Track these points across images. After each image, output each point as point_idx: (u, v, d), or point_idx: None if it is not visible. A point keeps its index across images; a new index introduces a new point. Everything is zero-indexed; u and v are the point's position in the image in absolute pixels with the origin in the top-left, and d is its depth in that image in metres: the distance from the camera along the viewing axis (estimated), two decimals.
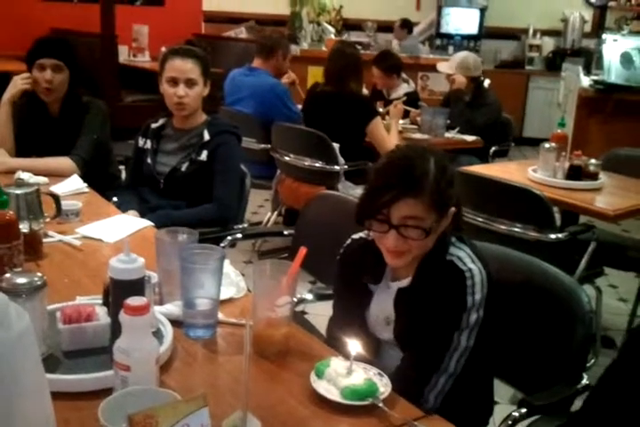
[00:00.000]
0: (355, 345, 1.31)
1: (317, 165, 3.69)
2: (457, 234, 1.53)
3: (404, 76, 4.88)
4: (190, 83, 2.49)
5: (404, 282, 1.52)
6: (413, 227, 1.41)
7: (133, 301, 1.15)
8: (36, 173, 2.50)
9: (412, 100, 4.60)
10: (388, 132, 3.81)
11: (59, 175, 2.59)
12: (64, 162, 2.69)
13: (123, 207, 2.42)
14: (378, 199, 1.41)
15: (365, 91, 4.15)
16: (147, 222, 2.18)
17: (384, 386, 1.28)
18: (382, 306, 1.56)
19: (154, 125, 2.67)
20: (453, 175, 1.47)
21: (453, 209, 1.47)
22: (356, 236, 1.64)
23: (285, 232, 2.56)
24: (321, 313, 1.86)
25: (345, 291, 1.66)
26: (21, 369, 0.97)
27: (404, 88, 4.84)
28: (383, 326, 1.57)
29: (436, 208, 1.42)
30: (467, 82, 4.38)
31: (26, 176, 2.41)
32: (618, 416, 1.18)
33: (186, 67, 2.48)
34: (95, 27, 6.39)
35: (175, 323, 1.48)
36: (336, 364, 1.31)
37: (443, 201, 1.42)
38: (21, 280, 1.29)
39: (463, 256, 1.46)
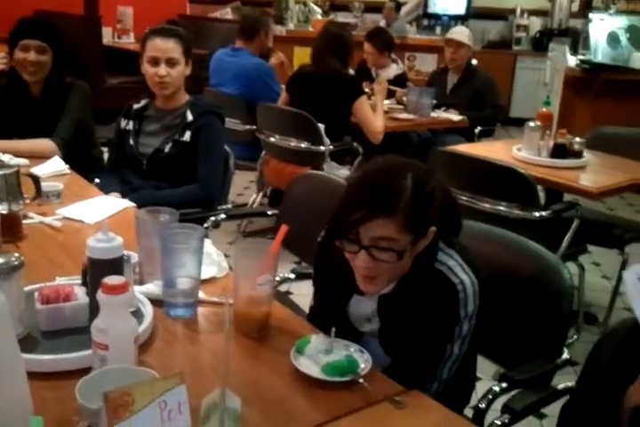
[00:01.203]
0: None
1: (303, 145, 3.67)
2: (446, 236, 1.43)
3: (393, 56, 4.84)
4: (172, 62, 2.46)
5: (388, 288, 1.43)
6: (385, 249, 1.30)
7: (111, 280, 1.14)
8: (17, 155, 2.47)
9: (400, 81, 4.58)
10: (374, 112, 3.79)
11: (40, 157, 2.56)
12: (45, 143, 2.66)
13: (105, 189, 2.40)
14: (348, 217, 1.30)
15: (351, 71, 4.12)
16: (128, 203, 2.16)
17: (364, 362, 1.28)
18: (363, 308, 1.49)
19: (136, 106, 2.64)
20: (433, 190, 1.34)
21: (433, 229, 1.35)
22: None
23: (269, 212, 2.55)
24: (305, 293, 1.86)
25: (323, 286, 1.59)
26: None
27: (393, 69, 4.80)
28: (363, 322, 1.51)
29: (412, 229, 1.30)
30: (468, 55, 4.54)
31: (6, 158, 2.38)
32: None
33: (167, 46, 2.45)
34: (79, 8, 6.30)
35: (155, 303, 1.47)
36: (317, 341, 1.31)
37: (419, 221, 1.31)
38: None
39: (453, 265, 1.38)
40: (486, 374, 2.18)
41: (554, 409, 1.45)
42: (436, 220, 1.35)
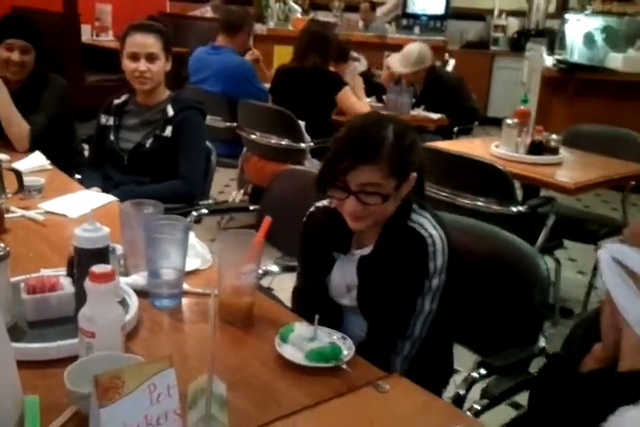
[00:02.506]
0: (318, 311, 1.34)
1: (283, 142, 3.69)
2: (419, 201, 1.55)
3: (354, 55, 4.83)
4: (151, 57, 2.47)
5: (367, 250, 1.54)
6: (372, 193, 1.42)
7: (98, 268, 1.16)
8: None
9: (366, 78, 4.59)
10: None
11: (11, 139, 2.63)
12: (22, 125, 2.66)
13: (86, 184, 2.41)
14: (336, 167, 1.42)
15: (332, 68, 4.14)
16: (110, 197, 2.17)
17: (347, 349, 1.31)
18: (344, 273, 1.59)
19: (116, 102, 2.64)
20: (414, 141, 1.48)
21: (414, 174, 1.49)
22: (319, 204, 1.66)
23: (251, 207, 2.57)
24: (287, 288, 1.88)
25: (308, 258, 1.68)
26: None
27: (356, 68, 4.80)
28: (344, 292, 1.59)
29: (395, 174, 1.43)
30: (421, 75, 4.41)
31: None
32: None
33: (147, 41, 2.46)
34: (57, 5, 6.26)
35: (141, 294, 1.49)
36: (300, 329, 1.34)
37: (401, 167, 1.44)
38: None
39: (424, 222, 1.49)
40: (465, 367, 2.21)
41: None
42: (416, 167, 1.48)
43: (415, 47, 4.39)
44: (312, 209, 1.68)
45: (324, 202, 1.64)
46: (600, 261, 1.04)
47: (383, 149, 1.41)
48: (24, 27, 2.79)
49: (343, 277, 1.59)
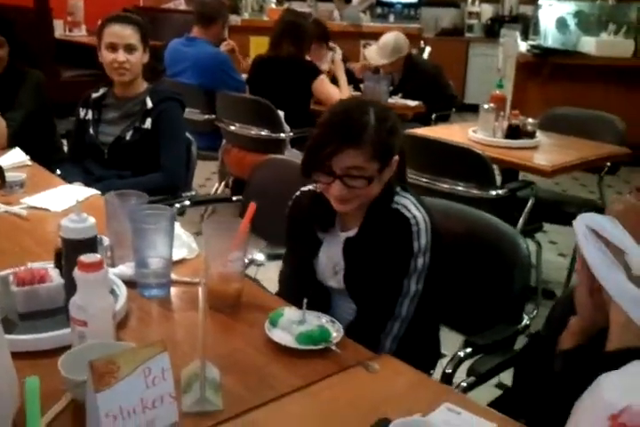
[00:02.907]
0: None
1: (263, 133, 3.70)
2: (401, 184, 1.58)
3: (330, 44, 4.86)
4: (130, 48, 2.47)
5: (352, 232, 1.58)
6: (356, 177, 1.45)
7: (87, 257, 1.17)
8: None
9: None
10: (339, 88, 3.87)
11: None
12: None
13: (67, 179, 2.40)
14: (321, 152, 1.45)
15: (308, 58, 4.15)
16: (93, 191, 2.17)
17: (336, 331, 1.34)
18: (330, 255, 1.62)
19: (94, 95, 2.64)
20: (395, 125, 1.51)
21: (396, 158, 1.52)
22: (304, 188, 1.69)
23: (234, 198, 2.58)
24: (273, 277, 1.90)
25: (295, 241, 1.71)
26: None
27: (330, 57, 4.83)
28: (331, 274, 1.63)
29: (378, 158, 1.46)
30: (400, 64, 4.42)
31: None
32: None
33: (125, 32, 2.46)
34: (28, 0, 6.19)
35: (129, 284, 1.50)
36: (289, 313, 1.36)
37: (384, 151, 1.47)
38: None
39: (407, 204, 1.53)
40: (451, 351, 2.25)
41: None
42: (398, 151, 1.51)
43: (391, 37, 4.41)
44: (297, 193, 1.71)
45: (309, 186, 1.66)
46: (577, 231, 1.07)
47: (366, 133, 1.44)
48: None
49: (330, 258, 1.62)
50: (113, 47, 2.47)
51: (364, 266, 1.53)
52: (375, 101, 1.57)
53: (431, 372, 1.71)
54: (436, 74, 4.57)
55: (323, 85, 3.79)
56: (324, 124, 1.50)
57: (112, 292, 1.44)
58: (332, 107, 1.56)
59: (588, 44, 5.77)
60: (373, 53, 4.45)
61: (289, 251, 1.77)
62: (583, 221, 1.06)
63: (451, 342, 1.81)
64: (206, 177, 5.00)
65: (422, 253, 1.50)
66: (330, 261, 1.62)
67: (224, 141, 4.01)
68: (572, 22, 6.14)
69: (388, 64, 4.41)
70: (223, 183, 4.26)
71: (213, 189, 4.35)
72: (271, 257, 2.05)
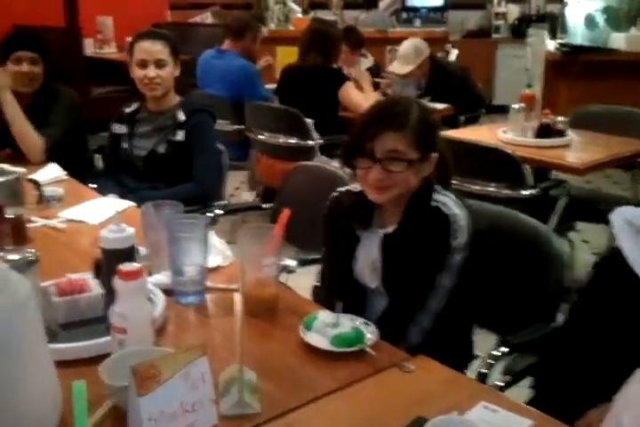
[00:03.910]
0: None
1: (292, 141, 3.73)
2: (442, 181, 1.61)
3: (362, 51, 4.90)
4: (160, 64, 2.52)
5: (390, 228, 1.59)
6: (396, 159, 1.48)
7: (126, 266, 1.20)
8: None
9: (373, 73, 4.64)
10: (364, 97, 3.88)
11: (25, 152, 2.70)
12: (36, 139, 2.72)
13: (102, 193, 2.45)
14: (363, 135, 1.50)
15: (337, 65, 4.18)
16: (128, 203, 2.22)
17: (371, 333, 1.35)
18: (369, 252, 1.63)
19: (127, 110, 2.69)
20: (436, 123, 1.57)
21: (436, 155, 1.54)
22: (342, 188, 1.71)
23: (265, 206, 2.61)
24: (303, 285, 1.92)
25: (333, 240, 1.72)
26: (26, 334, 1.02)
27: (364, 63, 4.86)
28: (369, 273, 1.63)
29: (419, 146, 1.50)
30: (425, 68, 4.41)
31: (4, 166, 2.43)
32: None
33: (155, 48, 2.51)
34: (58, 20, 6.33)
35: (166, 293, 1.52)
36: (323, 316, 1.38)
37: (425, 141, 1.51)
38: (14, 256, 1.33)
39: (447, 201, 1.54)
40: (485, 354, 2.24)
41: None
42: (437, 149, 1.54)
43: (408, 44, 4.42)
44: (335, 193, 1.73)
45: (347, 187, 1.70)
46: (613, 224, 1.07)
47: (410, 119, 1.49)
48: (30, 39, 2.86)
49: (368, 255, 1.63)
50: (143, 64, 2.52)
51: (402, 262, 1.55)
52: (419, 101, 1.65)
53: (465, 371, 1.70)
54: (464, 75, 4.56)
55: (348, 92, 3.81)
56: (367, 112, 1.56)
57: (149, 300, 1.48)
58: (379, 100, 1.65)
59: (618, 40, 5.70)
60: (396, 65, 4.45)
61: (327, 250, 1.78)
62: (620, 213, 1.07)
63: (484, 344, 1.80)
64: (236, 186, 5.05)
65: (459, 251, 1.52)
66: (368, 258, 1.63)
67: (254, 151, 4.05)
68: (600, 19, 6.07)
69: (415, 69, 4.40)
70: (254, 192, 4.30)
71: (243, 199, 4.38)
72: (302, 263, 2.07)
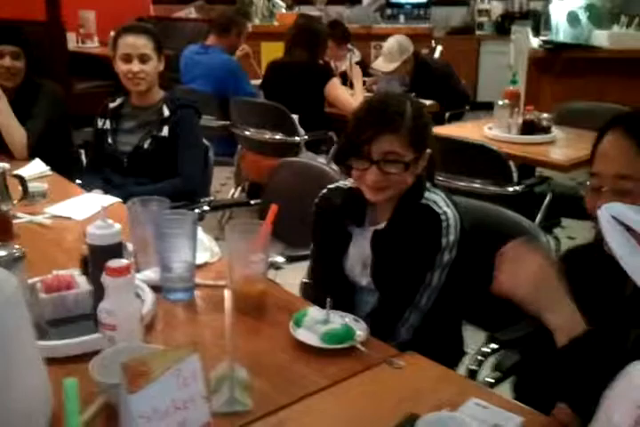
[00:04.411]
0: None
1: (278, 137, 3.72)
2: (431, 179, 1.62)
3: (348, 46, 4.89)
4: (144, 58, 2.50)
5: (381, 225, 1.59)
6: (393, 161, 1.48)
7: (114, 263, 1.19)
8: None
9: (360, 68, 4.63)
10: (353, 94, 3.89)
11: (10, 146, 2.68)
12: (21, 132, 2.70)
13: (87, 189, 2.43)
14: (358, 137, 1.48)
15: (323, 60, 4.18)
16: (114, 199, 2.20)
17: (361, 330, 1.35)
18: (360, 249, 1.63)
19: (112, 105, 2.67)
20: (429, 119, 1.56)
21: (429, 151, 1.55)
22: (331, 186, 1.71)
23: (252, 202, 2.60)
24: (291, 282, 1.91)
25: (323, 237, 1.72)
26: (15, 331, 1.01)
27: (352, 58, 4.86)
28: (360, 270, 1.64)
29: (414, 145, 1.50)
30: (409, 66, 4.43)
31: None
32: None
33: (139, 42, 2.49)
34: (40, 14, 6.25)
35: (154, 289, 1.51)
36: (313, 313, 1.37)
37: (420, 139, 1.51)
38: (0, 252, 1.32)
39: (438, 200, 1.55)
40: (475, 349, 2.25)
41: None
42: (429, 145, 1.54)
43: (393, 41, 4.44)
44: (324, 191, 1.72)
45: (336, 184, 1.70)
46: (600, 220, 1.08)
47: (404, 120, 1.49)
48: (11, 33, 2.82)
49: (359, 253, 1.63)
50: (127, 58, 2.50)
51: (392, 259, 1.55)
52: (410, 96, 1.62)
53: (455, 368, 1.71)
54: (447, 72, 4.58)
55: (334, 88, 3.80)
56: (361, 111, 1.54)
57: (138, 296, 1.47)
58: (369, 98, 1.60)
59: (600, 38, 5.73)
60: (381, 63, 4.46)
61: (316, 247, 1.77)
62: (607, 209, 1.08)
63: (473, 341, 1.81)
64: (221, 183, 5.03)
65: (449, 250, 1.53)
66: (359, 255, 1.63)
67: (239, 147, 4.04)
68: (583, 16, 6.10)
69: (400, 66, 4.41)
70: (239, 188, 4.29)
71: (229, 195, 4.37)
72: (290, 259, 2.06)
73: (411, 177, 1.53)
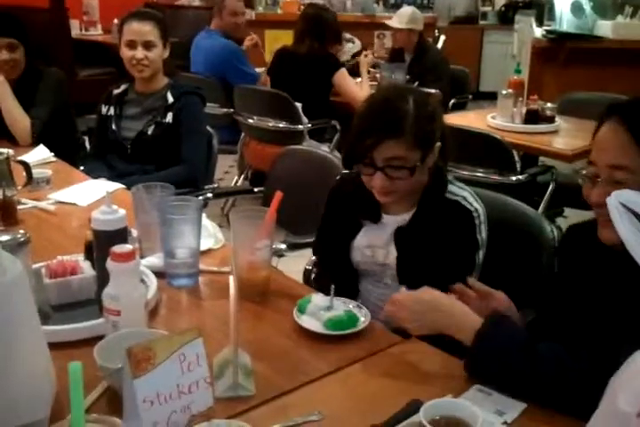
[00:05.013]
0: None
1: (281, 125, 3.72)
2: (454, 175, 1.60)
3: (347, 36, 4.86)
4: (149, 45, 2.49)
5: (400, 218, 1.56)
6: (398, 167, 1.45)
7: (119, 248, 1.19)
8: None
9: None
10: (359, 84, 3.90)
11: (15, 133, 2.68)
12: (25, 120, 2.69)
13: (91, 175, 2.43)
14: (361, 144, 1.45)
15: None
16: (118, 185, 2.20)
17: (364, 316, 1.35)
18: (372, 238, 1.60)
19: (116, 91, 2.67)
20: (435, 111, 1.51)
21: (438, 144, 1.51)
22: (346, 172, 1.69)
23: (255, 189, 2.60)
24: (294, 269, 1.92)
25: (334, 223, 1.69)
26: (19, 315, 1.01)
27: (350, 48, 4.85)
28: (369, 257, 1.62)
29: (419, 146, 1.45)
30: (414, 38, 4.53)
31: None
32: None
33: (144, 29, 2.48)
34: (43, 1, 6.23)
35: (158, 275, 1.52)
36: (317, 299, 1.38)
37: (425, 139, 1.46)
38: (4, 237, 1.32)
39: (467, 196, 1.53)
40: None
41: None
42: (440, 137, 1.50)
43: (409, 7, 4.70)
44: (339, 177, 1.70)
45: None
46: (609, 207, 1.08)
47: (406, 123, 1.44)
48: (5, 24, 2.77)
49: (371, 241, 1.60)
50: (132, 44, 2.50)
51: (421, 255, 1.52)
52: (414, 88, 1.59)
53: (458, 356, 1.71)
54: (440, 61, 4.59)
55: (343, 78, 3.81)
56: (363, 115, 1.50)
57: (142, 282, 1.47)
58: (371, 97, 1.56)
59: (604, 28, 5.70)
60: (394, 21, 4.62)
61: (325, 232, 1.74)
62: (616, 197, 1.07)
63: None
64: (225, 170, 5.02)
65: (484, 247, 1.51)
66: (371, 244, 1.61)
67: (242, 134, 4.03)
68: (587, 6, 6.07)
69: (405, 32, 4.50)
70: (242, 176, 4.29)
71: (232, 183, 4.37)
72: (292, 247, 2.06)
73: (420, 176, 1.50)
